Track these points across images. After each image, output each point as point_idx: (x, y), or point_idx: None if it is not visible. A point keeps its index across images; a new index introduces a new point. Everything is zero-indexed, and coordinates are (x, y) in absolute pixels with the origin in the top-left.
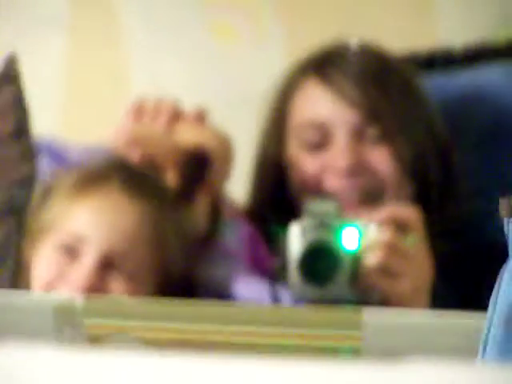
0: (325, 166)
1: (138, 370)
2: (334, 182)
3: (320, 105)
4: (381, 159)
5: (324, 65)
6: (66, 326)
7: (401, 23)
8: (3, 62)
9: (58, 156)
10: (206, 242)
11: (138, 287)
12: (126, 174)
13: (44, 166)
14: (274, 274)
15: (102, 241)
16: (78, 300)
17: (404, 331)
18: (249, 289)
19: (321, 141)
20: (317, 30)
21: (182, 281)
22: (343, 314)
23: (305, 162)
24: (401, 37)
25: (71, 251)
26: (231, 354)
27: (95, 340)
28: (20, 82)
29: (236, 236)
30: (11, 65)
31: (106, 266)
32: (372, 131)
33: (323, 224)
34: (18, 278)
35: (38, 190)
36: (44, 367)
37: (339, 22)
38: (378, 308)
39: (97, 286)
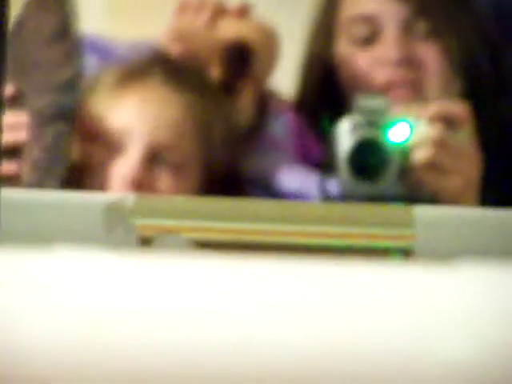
0: (375, 59)
1: (189, 272)
2: (383, 74)
3: (369, 0)
4: (429, 54)
5: None
6: (117, 226)
7: None
8: None
9: (105, 52)
10: (252, 134)
11: (184, 181)
12: (169, 67)
13: (90, 63)
14: (323, 167)
15: (147, 133)
16: (129, 199)
17: (455, 228)
18: (296, 180)
19: (370, 35)
20: None
21: (228, 174)
22: (394, 211)
23: (354, 57)
24: None
25: (117, 146)
26: (280, 254)
27: (146, 241)
28: None
29: (283, 127)
30: None
31: (152, 158)
32: (421, 26)
33: (373, 120)
34: (68, 181)
35: (83, 86)
36: (94, 269)
37: None
38: (428, 205)
39: (144, 178)
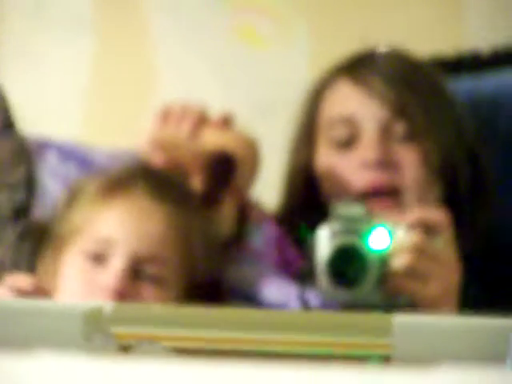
0: (354, 162)
1: (167, 379)
2: (362, 178)
3: (349, 100)
4: (409, 158)
5: (354, 66)
6: (95, 334)
7: (428, 27)
8: None
9: (84, 161)
10: (233, 244)
11: (166, 291)
12: (152, 177)
13: (70, 171)
14: (302, 277)
15: (129, 244)
16: (107, 307)
17: (434, 336)
18: (277, 291)
19: (350, 137)
20: (343, 32)
21: (209, 284)
22: (372, 319)
23: (334, 162)
24: (428, 40)
25: (100, 256)
26: (260, 362)
27: (124, 348)
28: None
29: (263, 239)
30: None
31: (135, 269)
32: (400, 128)
33: (351, 227)
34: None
35: (62, 196)
36: (73, 376)
37: (365, 26)
38: (407, 313)
39: (127, 289)
